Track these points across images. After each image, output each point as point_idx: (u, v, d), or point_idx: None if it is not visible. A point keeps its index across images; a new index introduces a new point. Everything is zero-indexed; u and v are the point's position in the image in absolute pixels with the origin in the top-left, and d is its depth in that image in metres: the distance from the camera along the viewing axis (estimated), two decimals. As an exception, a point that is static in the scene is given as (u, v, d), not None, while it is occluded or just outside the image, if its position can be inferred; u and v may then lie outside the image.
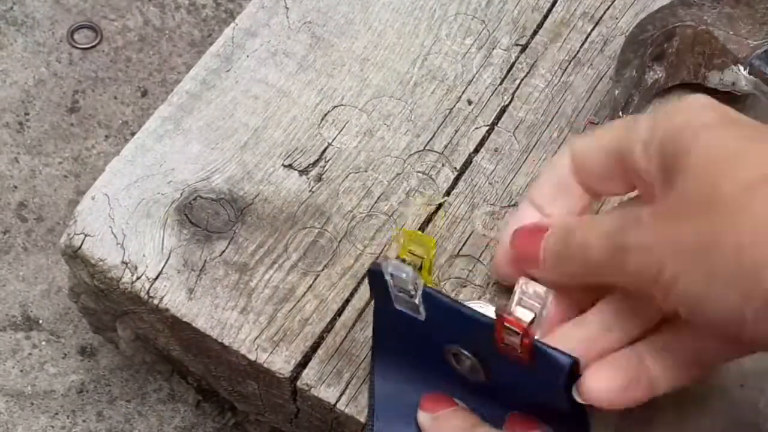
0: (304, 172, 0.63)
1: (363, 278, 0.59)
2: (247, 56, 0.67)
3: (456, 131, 0.65)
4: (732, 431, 0.55)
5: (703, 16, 0.65)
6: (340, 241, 0.61)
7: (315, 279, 0.59)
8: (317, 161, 0.64)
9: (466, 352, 0.51)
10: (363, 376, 0.56)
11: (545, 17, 0.70)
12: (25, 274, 0.80)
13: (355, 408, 0.56)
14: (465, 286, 0.59)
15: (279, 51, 0.68)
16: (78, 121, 0.87)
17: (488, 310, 0.50)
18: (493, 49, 0.68)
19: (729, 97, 0.66)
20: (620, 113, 0.64)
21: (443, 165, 0.64)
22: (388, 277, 0.50)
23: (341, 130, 0.65)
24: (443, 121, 0.65)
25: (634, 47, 0.65)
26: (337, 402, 0.56)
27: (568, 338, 0.49)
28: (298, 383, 0.57)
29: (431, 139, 0.65)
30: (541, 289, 0.48)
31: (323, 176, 0.63)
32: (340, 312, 0.58)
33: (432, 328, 0.51)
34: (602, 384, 0.49)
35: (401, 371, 0.54)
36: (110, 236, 0.60)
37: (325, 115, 0.65)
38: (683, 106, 0.47)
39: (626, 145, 0.48)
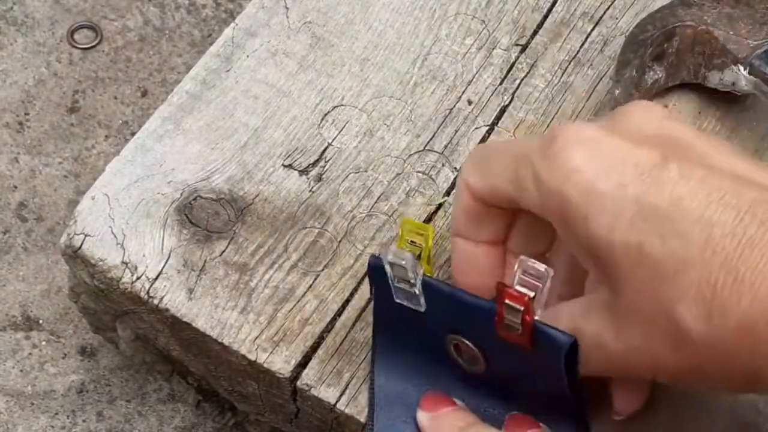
0: (304, 172, 0.63)
1: (363, 278, 0.59)
2: (247, 56, 0.67)
3: (456, 131, 0.65)
4: (732, 431, 0.55)
5: (703, 16, 0.65)
6: (340, 241, 0.61)
7: (315, 279, 0.59)
8: (317, 161, 0.64)
9: (466, 341, 0.51)
10: (363, 376, 0.56)
11: (545, 17, 0.70)
12: (25, 274, 0.80)
13: (355, 408, 0.56)
14: (465, 286, 0.59)
15: (279, 51, 0.68)
16: (78, 121, 0.87)
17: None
18: (493, 49, 0.68)
19: (729, 97, 0.66)
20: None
21: (443, 165, 0.64)
22: (387, 268, 0.50)
23: (341, 130, 0.65)
24: (443, 121, 0.65)
25: (634, 47, 0.65)
26: (337, 402, 0.56)
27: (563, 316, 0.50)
28: (298, 383, 0.57)
29: (431, 139, 0.65)
30: (541, 267, 0.48)
31: (323, 176, 0.63)
32: (340, 312, 0.58)
33: (432, 318, 0.51)
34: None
35: (401, 369, 0.54)
36: (110, 236, 0.60)
37: (325, 115, 0.65)
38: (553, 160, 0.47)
39: (519, 199, 0.48)
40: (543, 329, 0.47)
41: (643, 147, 0.45)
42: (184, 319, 0.58)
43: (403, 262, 0.49)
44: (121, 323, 0.64)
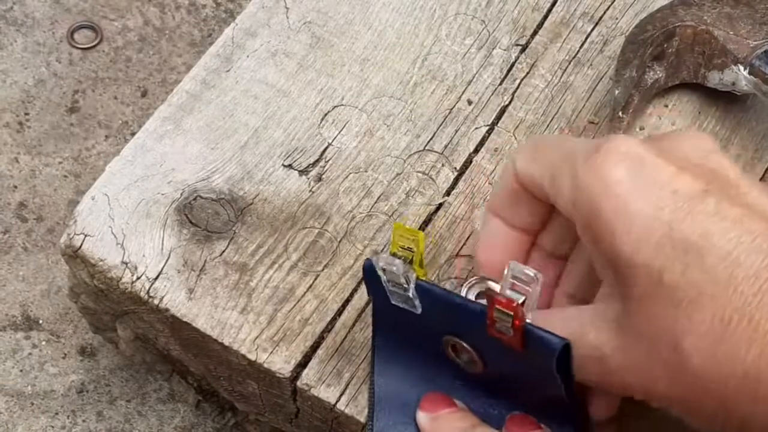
0: (304, 172, 0.63)
1: (363, 278, 0.59)
2: (247, 56, 0.67)
3: (456, 131, 0.65)
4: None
5: (703, 16, 0.65)
6: (340, 241, 0.61)
7: (315, 279, 0.59)
8: (317, 161, 0.64)
9: (462, 343, 0.51)
10: (363, 376, 0.56)
11: (545, 17, 0.70)
12: (25, 274, 0.80)
13: (355, 408, 0.56)
14: (465, 286, 0.59)
15: (279, 51, 0.68)
16: (78, 121, 0.87)
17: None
18: (493, 49, 0.68)
19: (729, 97, 0.66)
20: (620, 113, 0.64)
21: (443, 165, 0.64)
22: (380, 273, 0.50)
23: (341, 130, 0.65)
24: (443, 121, 0.65)
25: (634, 47, 0.65)
26: (337, 402, 0.56)
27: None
28: (298, 383, 0.57)
29: (431, 139, 0.65)
30: (531, 272, 0.48)
31: (323, 176, 0.63)
32: (340, 312, 0.58)
33: (429, 320, 0.51)
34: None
35: (401, 370, 0.54)
36: (110, 236, 0.60)
37: (325, 115, 0.65)
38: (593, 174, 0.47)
39: (553, 197, 0.49)
40: (535, 332, 0.47)
41: (686, 174, 0.45)
42: (184, 319, 0.58)
43: (395, 269, 0.49)
44: (121, 323, 0.64)
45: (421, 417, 0.53)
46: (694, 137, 0.48)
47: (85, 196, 0.62)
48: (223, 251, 0.60)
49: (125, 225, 0.60)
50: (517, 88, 0.67)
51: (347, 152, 0.64)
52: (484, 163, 0.64)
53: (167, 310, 0.58)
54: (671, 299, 0.43)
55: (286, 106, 0.66)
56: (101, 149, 0.85)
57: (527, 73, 0.68)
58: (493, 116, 0.66)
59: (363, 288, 0.59)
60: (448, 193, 0.63)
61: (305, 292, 0.59)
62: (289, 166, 0.63)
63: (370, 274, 0.51)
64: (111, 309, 0.63)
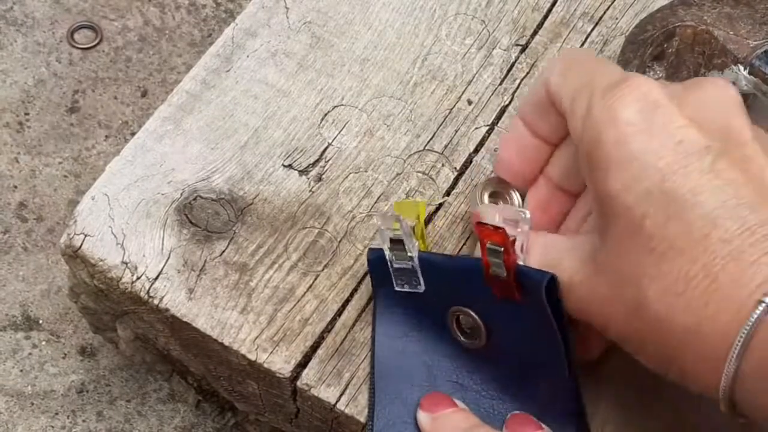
0: (304, 172, 0.63)
1: (363, 278, 0.59)
2: (247, 56, 0.67)
3: (456, 131, 0.65)
4: (732, 426, 0.55)
5: (703, 16, 0.65)
6: (340, 241, 0.61)
7: (315, 279, 0.59)
8: (317, 161, 0.64)
9: (466, 309, 0.52)
10: (363, 376, 0.56)
11: (545, 17, 0.70)
12: (25, 274, 0.80)
13: (355, 408, 0.56)
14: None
15: (279, 51, 0.68)
16: (78, 121, 0.87)
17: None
18: (493, 49, 0.68)
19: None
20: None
21: (443, 165, 0.64)
22: (386, 244, 0.51)
23: (341, 130, 0.65)
24: (443, 121, 0.65)
25: (634, 47, 0.65)
26: (337, 402, 0.56)
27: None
28: (298, 383, 0.57)
29: (431, 139, 0.65)
30: (518, 211, 0.50)
31: (323, 176, 0.63)
32: (340, 312, 0.58)
33: (432, 297, 0.52)
34: None
35: (401, 370, 0.54)
36: (110, 236, 0.60)
37: (325, 115, 0.65)
38: (609, 109, 0.47)
39: (568, 118, 0.50)
40: (524, 269, 0.49)
41: (693, 128, 0.46)
42: (184, 319, 0.58)
43: (399, 232, 0.51)
44: (121, 323, 0.64)
45: (422, 417, 0.53)
46: (719, 88, 0.48)
47: (85, 196, 0.62)
48: (223, 251, 0.60)
49: (125, 225, 0.60)
50: (517, 88, 0.67)
51: (347, 152, 0.64)
52: (484, 163, 0.64)
53: (167, 310, 0.58)
54: (645, 246, 0.44)
55: (286, 106, 0.65)
56: (101, 149, 0.85)
57: (527, 73, 0.68)
58: (493, 116, 0.66)
59: (363, 288, 0.59)
60: (448, 193, 0.63)
61: (305, 292, 0.59)
62: (289, 166, 0.63)
63: (374, 260, 0.52)
64: (111, 309, 0.63)
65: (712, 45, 0.64)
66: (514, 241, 0.49)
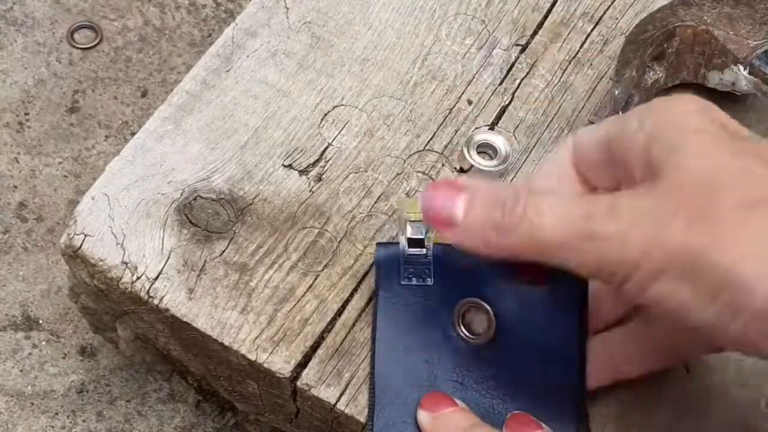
0: (304, 172, 0.63)
1: (363, 278, 0.59)
2: (247, 56, 0.67)
3: (456, 131, 0.65)
4: (732, 431, 0.55)
5: (703, 16, 0.65)
6: (340, 241, 0.61)
7: (315, 279, 0.59)
8: (317, 161, 0.64)
9: (479, 300, 0.52)
10: (363, 376, 0.56)
11: (545, 17, 0.70)
12: (25, 274, 0.80)
13: (355, 408, 0.56)
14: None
15: (279, 51, 0.68)
16: (78, 121, 0.87)
17: None
18: (493, 49, 0.68)
19: (729, 97, 0.66)
20: (620, 113, 0.64)
21: (443, 165, 0.64)
22: (402, 237, 0.51)
23: (341, 130, 0.65)
24: (443, 121, 0.65)
25: (634, 47, 0.65)
26: (337, 402, 0.56)
27: None
28: (298, 383, 0.57)
29: (431, 139, 0.65)
30: None
31: (323, 176, 0.63)
32: (340, 312, 0.58)
33: (439, 291, 0.53)
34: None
35: (402, 369, 0.54)
36: (110, 236, 0.60)
37: (325, 115, 0.65)
38: (674, 103, 0.47)
39: (616, 133, 0.48)
40: None
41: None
42: (184, 319, 0.58)
43: (420, 216, 0.50)
44: (121, 323, 0.64)
45: (422, 416, 0.53)
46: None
47: (85, 196, 0.62)
48: (223, 251, 0.60)
49: (125, 225, 0.60)
50: (517, 88, 0.67)
51: (347, 152, 0.64)
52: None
53: (167, 310, 0.58)
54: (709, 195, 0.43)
55: (286, 106, 0.65)
56: (101, 149, 0.85)
57: (527, 73, 0.68)
58: (493, 116, 0.66)
59: (363, 288, 0.59)
60: (448, 193, 0.63)
61: (305, 292, 0.59)
62: (289, 166, 0.63)
63: (383, 254, 0.53)
64: (111, 309, 0.63)
65: (712, 45, 0.64)
66: None
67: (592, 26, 0.70)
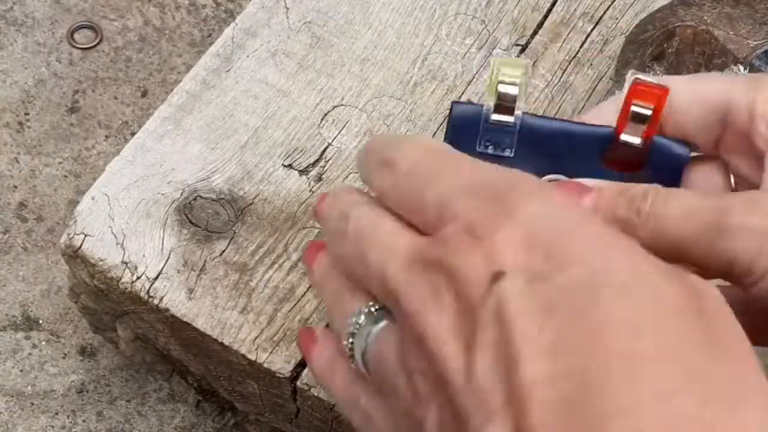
0: (304, 172, 0.63)
1: (447, 122, 0.57)
2: (247, 56, 0.67)
3: (456, 131, 0.65)
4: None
5: (703, 16, 0.65)
6: (340, 241, 0.60)
7: (315, 279, 0.59)
8: (317, 161, 0.64)
9: (561, 177, 0.48)
10: (363, 376, 0.56)
11: (545, 17, 0.70)
12: (25, 274, 0.80)
13: (355, 408, 0.55)
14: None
15: (279, 51, 0.68)
16: (78, 121, 0.87)
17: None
18: (493, 49, 0.68)
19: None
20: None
21: (443, 165, 0.64)
22: (489, 99, 0.46)
23: (341, 130, 0.65)
24: (443, 121, 0.65)
25: (634, 47, 0.65)
26: (337, 402, 0.56)
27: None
28: (298, 383, 0.57)
29: (431, 139, 0.65)
30: (658, 83, 0.44)
31: (323, 176, 0.63)
32: (340, 312, 0.58)
33: (520, 165, 0.46)
34: None
35: None
36: (110, 236, 0.60)
37: (325, 115, 0.65)
38: None
39: (739, 102, 0.45)
40: (664, 142, 0.45)
41: None
42: (184, 319, 0.58)
43: (519, 80, 0.45)
44: (121, 323, 0.64)
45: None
46: None
47: (85, 196, 0.62)
48: (223, 251, 0.60)
49: (125, 225, 0.60)
50: (517, 88, 0.67)
51: (347, 152, 0.64)
52: (484, 163, 0.64)
53: (167, 310, 0.58)
54: None
55: (286, 106, 0.66)
56: (101, 149, 0.85)
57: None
58: (493, 116, 0.66)
59: (363, 288, 0.59)
60: (448, 193, 0.63)
61: (305, 292, 0.59)
62: (289, 166, 0.63)
63: (459, 114, 0.47)
64: (111, 309, 0.63)
65: (712, 45, 0.64)
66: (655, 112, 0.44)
67: (592, 26, 0.70)
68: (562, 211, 0.35)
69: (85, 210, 0.61)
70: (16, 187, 0.83)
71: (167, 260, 0.59)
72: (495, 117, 0.46)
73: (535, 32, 0.69)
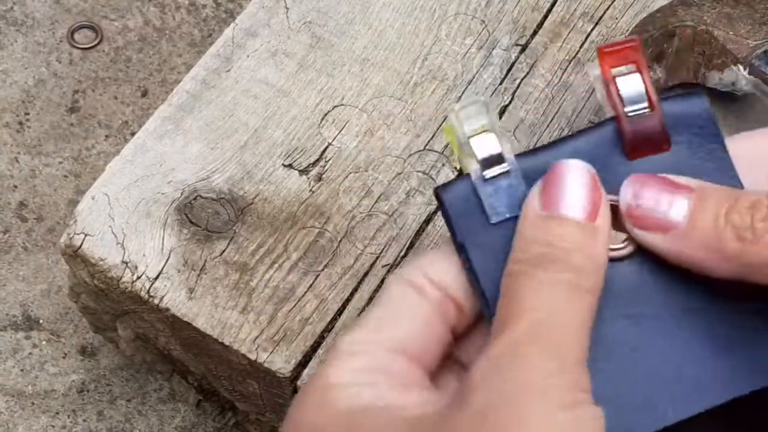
0: (304, 171, 0.63)
1: (363, 278, 0.59)
2: (247, 56, 0.67)
3: (456, 131, 0.65)
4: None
5: (703, 16, 0.65)
6: (340, 241, 0.61)
7: (315, 279, 0.59)
8: (317, 161, 0.64)
9: (614, 197, 0.40)
10: (363, 376, 0.56)
11: (545, 17, 0.70)
12: (25, 274, 0.80)
13: (356, 408, 0.55)
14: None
15: (279, 51, 0.68)
16: (78, 121, 0.87)
17: None
18: (493, 49, 0.68)
19: (729, 97, 0.66)
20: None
21: (443, 165, 0.64)
22: (470, 163, 0.39)
23: (341, 129, 0.65)
24: (443, 121, 0.65)
25: (634, 47, 0.65)
26: (337, 402, 0.56)
27: None
28: (299, 383, 0.57)
29: (431, 139, 0.65)
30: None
31: (323, 176, 0.63)
32: (340, 312, 0.58)
33: None
34: None
35: None
36: (110, 236, 0.60)
37: (325, 114, 0.65)
38: None
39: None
40: (668, 100, 0.40)
41: None
42: (185, 319, 0.58)
43: (485, 126, 0.40)
44: (122, 323, 0.64)
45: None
46: None
47: (85, 195, 0.62)
48: (224, 251, 0.60)
49: (125, 225, 0.60)
50: (517, 88, 0.67)
51: (347, 152, 0.64)
52: (484, 162, 0.64)
53: (167, 309, 0.58)
54: None
55: (286, 106, 0.66)
56: (101, 149, 0.85)
57: (527, 73, 0.68)
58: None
59: (363, 288, 0.59)
60: (448, 192, 0.63)
61: (305, 292, 0.59)
62: (289, 165, 0.63)
63: (452, 199, 0.40)
64: (111, 309, 0.63)
65: (712, 45, 0.64)
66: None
67: (592, 26, 0.70)
68: None
69: (85, 210, 0.61)
70: (16, 186, 0.83)
71: (167, 260, 0.59)
72: (488, 173, 0.39)
73: (535, 32, 0.69)
